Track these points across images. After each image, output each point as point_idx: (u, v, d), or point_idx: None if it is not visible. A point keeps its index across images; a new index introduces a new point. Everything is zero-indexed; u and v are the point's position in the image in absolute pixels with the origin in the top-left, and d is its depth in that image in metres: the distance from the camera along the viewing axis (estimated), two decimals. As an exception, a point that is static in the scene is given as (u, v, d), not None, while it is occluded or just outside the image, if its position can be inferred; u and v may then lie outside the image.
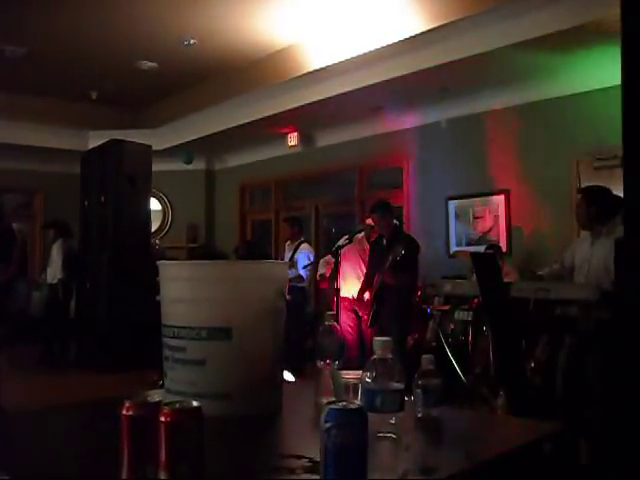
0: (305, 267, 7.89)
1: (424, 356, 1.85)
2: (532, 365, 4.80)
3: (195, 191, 12.32)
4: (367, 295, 6.61)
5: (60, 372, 8.41)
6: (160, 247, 10.09)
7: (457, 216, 8.37)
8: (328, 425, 1.15)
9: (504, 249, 7.55)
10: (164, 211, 12.21)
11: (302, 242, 8.26)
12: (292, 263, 7.78)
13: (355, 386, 1.81)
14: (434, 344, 6.69)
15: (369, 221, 7.02)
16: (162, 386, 4.99)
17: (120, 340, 8.19)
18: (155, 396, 1.26)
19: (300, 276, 7.85)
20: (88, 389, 7.24)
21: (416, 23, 6.81)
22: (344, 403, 1.19)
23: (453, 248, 8.35)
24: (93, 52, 8.89)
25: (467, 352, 5.90)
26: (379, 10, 7.22)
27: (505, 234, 7.82)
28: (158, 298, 1.89)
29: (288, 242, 8.50)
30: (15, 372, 6.81)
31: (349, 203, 10.08)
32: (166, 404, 1.19)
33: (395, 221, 6.80)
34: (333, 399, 1.91)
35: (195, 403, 1.20)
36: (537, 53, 6.55)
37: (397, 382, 1.30)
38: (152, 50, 8.87)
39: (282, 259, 8.31)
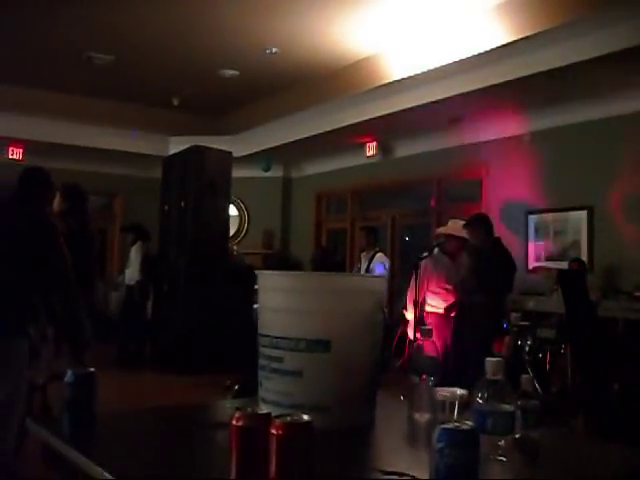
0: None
1: (524, 376, 1.81)
2: (617, 388, 4.66)
3: (272, 198, 12.44)
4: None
5: (135, 371, 8.57)
6: (238, 253, 10.20)
7: (537, 231, 8.22)
8: (441, 445, 1.13)
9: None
10: (241, 217, 12.35)
11: (377, 252, 8.22)
12: (368, 272, 7.76)
13: (451, 404, 1.79)
14: (511, 361, 6.60)
15: (440, 230, 6.88)
16: (237, 391, 5.01)
17: (195, 343, 8.31)
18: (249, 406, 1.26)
19: None
20: (162, 390, 7.37)
21: (496, 36, 6.75)
22: (456, 424, 1.17)
23: (532, 263, 8.19)
24: (177, 60, 9.09)
25: (544, 370, 5.78)
26: (459, 23, 7.18)
27: (587, 251, 7.63)
28: (256, 306, 1.90)
29: (364, 252, 8.45)
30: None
31: (426, 215, 10.01)
32: (277, 417, 1.19)
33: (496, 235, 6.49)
34: (427, 415, 1.90)
35: (306, 417, 1.20)
36: (619, 67, 6.39)
37: (508, 404, 1.27)
38: (234, 58, 9.00)
39: (358, 268, 8.28)
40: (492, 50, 6.75)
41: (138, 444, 1.63)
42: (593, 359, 4.23)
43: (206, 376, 7.83)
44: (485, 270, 5.89)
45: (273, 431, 1.17)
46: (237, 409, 1.23)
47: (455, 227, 6.68)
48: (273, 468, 1.17)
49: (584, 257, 7.56)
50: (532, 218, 8.25)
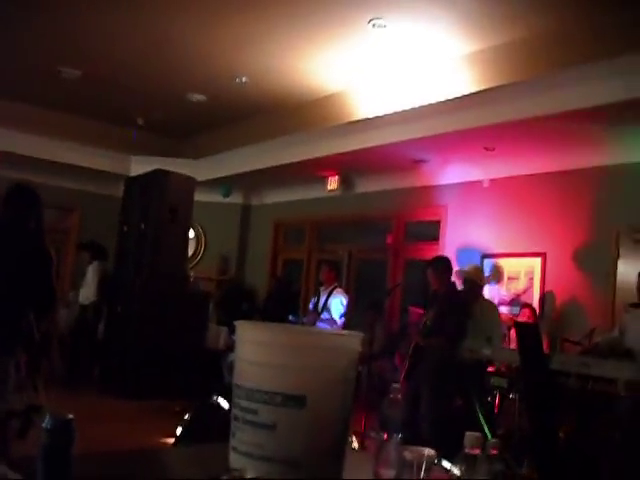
0: (342, 315, 7.88)
1: (468, 434, 1.81)
2: (561, 436, 4.76)
3: (230, 224, 12.43)
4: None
5: (83, 392, 8.43)
6: (195, 279, 10.17)
7: (491, 274, 8.35)
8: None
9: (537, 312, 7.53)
10: (198, 240, 12.29)
11: (335, 287, 8.27)
12: (325, 307, 7.80)
13: (419, 464, 1.83)
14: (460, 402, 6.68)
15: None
16: (186, 421, 4.94)
17: (145, 367, 8.25)
18: (248, 471, 1.28)
19: (334, 321, 7.85)
20: (110, 413, 7.28)
21: (466, 83, 6.92)
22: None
23: (484, 307, 8.31)
24: (145, 80, 9.07)
25: (493, 414, 5.87)
26: (429, 68, 7.35)
27: (539, 297, 7.80)
28: (232, 357, 1.93)
29: (322, 286, 8.47)
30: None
31: (383, 251, 10.10)
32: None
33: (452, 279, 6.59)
34: (392, 472, 1.94)
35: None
36: (585, 121, 6.60)
37: (484, 478, 1.32)
38: (203, 84, 9.03)
39: (314, 302, 8.29)
40: (457, 98, 6.91)
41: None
42: (542, 408, 4.32)
43: (155, 401, 7.77)
44: (447, 315, 5.98)
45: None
46: (226, 470, 1.26)
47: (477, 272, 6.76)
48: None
49: (535, 304, 7.72)
50: (488, 261, 8.40)
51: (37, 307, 3.62)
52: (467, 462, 1.33)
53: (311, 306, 8.29)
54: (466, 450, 1.34)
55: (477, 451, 1.33)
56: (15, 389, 3.95)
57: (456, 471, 1.31)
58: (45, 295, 3.76)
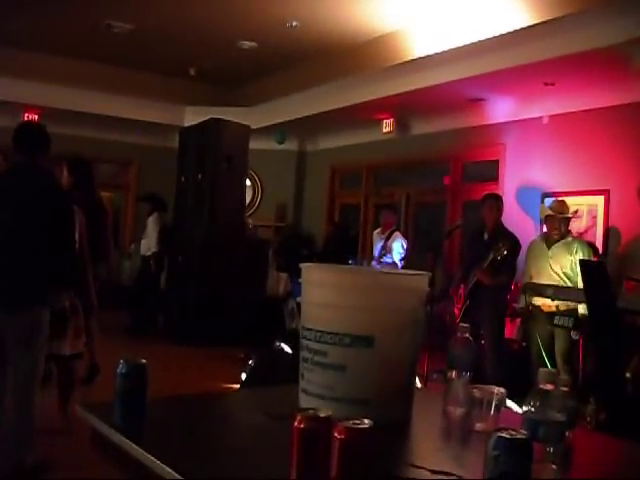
0: (402, 259, 7.88)
1: (542, 370, 1.78)
2: (628, 376, 4.70)
3: (285, 171, 12.44)
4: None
5: (148, 341, 8.61)
6: (253, 226, 10.24)
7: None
8: (496, 452, 1.17)
9: (600, 251, 7.37)
10: (254, 189, 12.33)
11: (394, 230, 8.24)
12: (386, 250, 7.80)
13: (488, 402, 1.83)
14: (524, 344, 6.63)
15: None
16: (253, 365, 4.99)
17: (207, 315, 8.39)
18: (322, 410, 1.29)
19: (395, 264, 7.86)
20: (175, 360, 7.44)
21: (522, 17, 6.70)
22: (512, 432, 1.20)
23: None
24: (195, 30, 9.06)
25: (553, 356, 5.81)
26: (482, 3, 7.12)
27: (602, 236, 7.64)
28: (292, 303, 1.93)
29: (378, 230, 8.46)
30: (105, 336, 7.01)
31: (441, 193, 9.99)
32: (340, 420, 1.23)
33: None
34: (462, 410, 1.94)
35: (366, 422, 1.23)
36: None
37: (559, 413, 1.31)
38: (253, 30, 8.96)
39: (370, 245, 8.28)
40: (515, 31, 6.70)
41: (191, 436, 1.67)
42: (609, 348, 4.27)
43: (217, 348, 7.91)
44: (493, 253, 5.90)
45: (336, 435, 1.20)
46: (298, 410, 1.27)
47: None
48: (333, 471, 1.21)
49: (599, 243, 7.57)
50: (548, 201, 8.23)
51: (54, 252, 3.58)
52: (541, 397, 1.31)
53: (376, 253, 8.26)
54: (540, 386, 1.32)
55: (551, 387, 1.32)
56: (73, 334, 4.05)
57: (518, 409, 1.30)
58: (61, 240, 3.69)
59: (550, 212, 6.08)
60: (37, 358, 3.58)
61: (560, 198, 6.86)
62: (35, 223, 3.49)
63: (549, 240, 6.02)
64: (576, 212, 6.57)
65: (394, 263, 7.88)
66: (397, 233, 8.22)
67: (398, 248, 7.97)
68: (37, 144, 3.67)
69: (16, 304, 3.45)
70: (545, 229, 6.38)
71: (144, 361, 1.66)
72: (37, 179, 3.62)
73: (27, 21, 8.92)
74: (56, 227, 3.54)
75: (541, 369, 1.33)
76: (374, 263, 8.00)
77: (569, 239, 5.98)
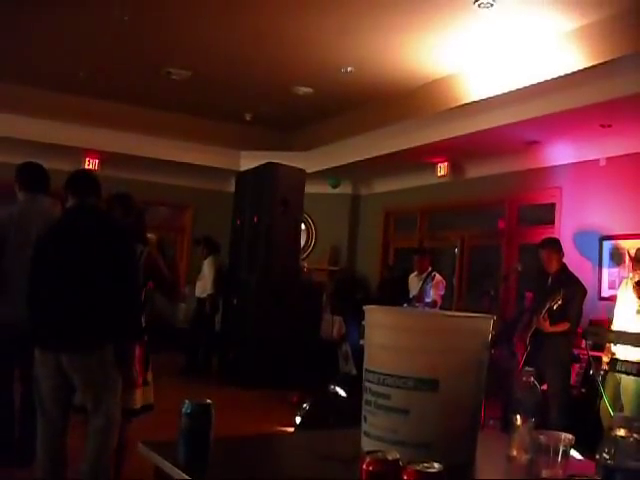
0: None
1: (617, 414, 1.78)
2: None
3: (340, 214, 12.49)
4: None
5: (202, 382, 8.66)
6: (307, 269, 10.28)
7: (612, 257, 8.06)
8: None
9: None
10: (308, 232, 12.41)
11: (431, 272, 8.24)
12: (421, 293, 7.83)
13: (555, 448, 1.78)
14: (583, 390, 6.48)
15: None
16: (306, 410, 4.96)
17: (261, 357, 8.40)
18: (390, 453, 1.28)
19: (435, 302, 7.86)
20: (228, 401, 7.43)
21: (578, 59, 6.70)
22: None
23: (605, 291, 8.02)
24: (251, 76, 9.26)
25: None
26: (537, 46, 7.14)
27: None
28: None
29: (414, 274, 8.45)
30: (160, 377, 7.06)
31: (496, 236, 9.90)
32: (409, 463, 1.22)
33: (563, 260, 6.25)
34: (528, 455, 1.90)
35: (436, 466, 1.22)
36: None
37: (637, 461, 1.27)
38: (309, 76, 9.12)
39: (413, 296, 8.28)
40: (570, 74, 6.69)
41: (254, 478, 1.66)
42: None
43: (271, 391, 7.90)
44: (552, 299, 5.76)
45: (405, 478, 1.19)
46: (367, 453, 1.26)
47: None
48: (402, 514, 1.20)
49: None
50: (607, 244, 8.09)
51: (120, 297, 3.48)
52: (616, 444, 1.28)
53: (415, 293, 8.28)
54: (614, 433, 1.29)
55: (626, 433, 1.28)
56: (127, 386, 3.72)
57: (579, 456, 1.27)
58: (126, 284, 3.52)
59: None
60: (111, 403, 3.45)
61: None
62: (99, 260, 3.45)
63: None
64: None
65: (434, 301, 7.88)
66: (435, 273, 8.25)
67: (439, 288, 8.00)
68: (90, 187, 3.70)
69: (83, 345, 3.38)
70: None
71: (209, 401, 1.67)
72: (95, 216, 3.64)
73: (90, 69, 9.23)
74: (120, 264, 3.51)
75: (617, 414, 1.30)
76: (418, 304, 7.98)
77: None
